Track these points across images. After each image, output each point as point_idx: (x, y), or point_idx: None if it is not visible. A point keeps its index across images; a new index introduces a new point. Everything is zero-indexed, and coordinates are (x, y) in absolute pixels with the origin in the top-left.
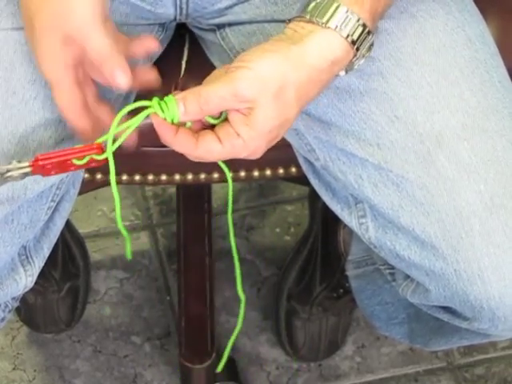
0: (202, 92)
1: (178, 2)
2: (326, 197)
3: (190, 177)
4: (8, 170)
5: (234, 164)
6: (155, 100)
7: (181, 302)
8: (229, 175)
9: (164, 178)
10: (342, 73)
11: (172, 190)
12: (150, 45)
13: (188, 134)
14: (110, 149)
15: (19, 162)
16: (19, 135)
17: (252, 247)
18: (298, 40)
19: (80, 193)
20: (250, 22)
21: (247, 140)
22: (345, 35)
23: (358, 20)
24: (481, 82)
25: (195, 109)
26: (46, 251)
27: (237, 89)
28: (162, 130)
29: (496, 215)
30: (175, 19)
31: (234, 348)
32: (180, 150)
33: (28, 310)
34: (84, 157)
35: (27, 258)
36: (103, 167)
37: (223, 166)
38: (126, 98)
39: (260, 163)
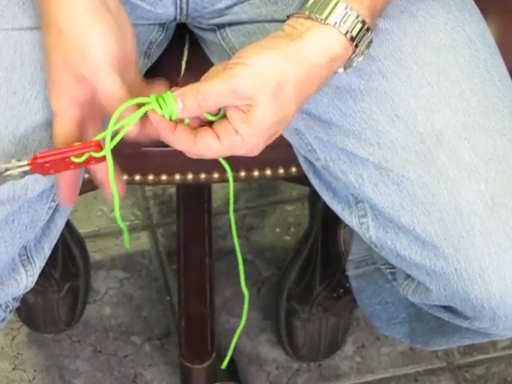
0: (200, 88)
1: (178, 2)
2: (326, 197)
3: (190, 177)
4: (7, 169)
5: (234, 164)
6: (153, 96)
7: (181, 302)
8: (230, 173)
9: (164, 177)
10: (341, 70)
11: (172, 190)
12: (161, 88)
13: (186, 131)
14: (109, 146)
15: (18, 160)
16: (20, 135)
17: (252, 247)
18: (296, 36)
19: (80, 193)
20: (251, 22)
21: (245, 137)
22: (344, 31)
23: (357, 16)
24: (481, 81)
25: (193, 105)
26: (47, 251)
27: (235, 85)
28: (160, 127)
29: (497, 214)
30: (175, 19)
31: (234, 348)
32: (178, 146)
33: (28, 310)
34: (82, 154)
35: (28, 258)
36: None
37: (224, 163)
38: None
39: (260, 163)
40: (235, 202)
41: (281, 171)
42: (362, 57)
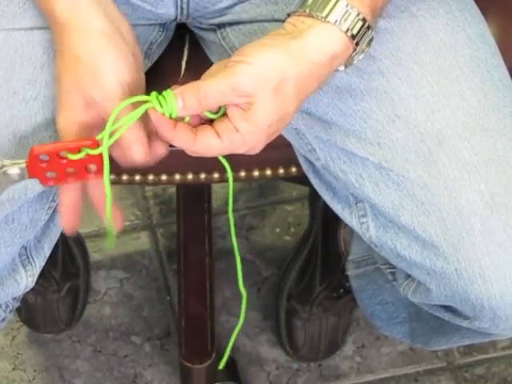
0: (200, 86)
1: (179, 2)
2: (326, 196)
3: (190, 177)
4: (4, 165)
5: (234, 164)
6: (153, 94)
7: (181, 302)
8: (230, 172)
9: (164, 177)
10: (342, 68)
11: (172, 190)
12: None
13: (186, 129)
14: (107, 143)
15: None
16: (20, 135)
17: (252, 247)
18: (297, 34)
19: None
20: (251, 22)
21: (246, 135)
22: (344, 29)
23: (358, 14)
24: (481, 81)
25: (194, 103)
26: (47, 251)
27: (236, 83)
28: (161, 125)
29: (497, 214)
30: (176, 19)
31: (234, 348)
32: (178, 144)
33: (28, 310)
34: (79, 150)
35: (28, 258)
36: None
37: (224, 162)
38: None
39: (260, 163)
40: (235, 202)
41: (281, 171)
42: (362, 55)
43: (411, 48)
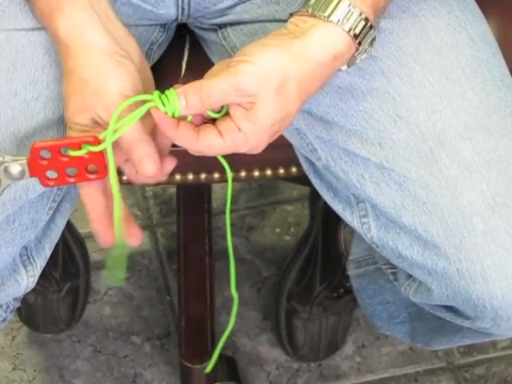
0: (203, 86)
1: (180, 3)
2: (327, 196)
3: (190, 177)
4: (4, 161)
5: (234, 164)
6: (156, 93)
7: (181, 302)
8: (229, 172)
9: (164, 177)
10: (344, 67)
11: (172, 190)
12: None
13: (189, 128)
14: (110, 139)
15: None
16: (21, 136)
17: (252, 247)
18: (300, 34)
19: None
20: (252, 22)
21: (248, 134)
22: (347, 29)
23: (361, 14)
24: (483, 81)
25: (196, 102)
26: (48, 251)
27: (239, 83)
28: (163, 124)
29: (498, 214)
30: (177, 19)
31: (234, 348)
32: (181, 143)
33: (28, 310)
34: (80, 148)
35: (28, 258)
36: None
37: (223, 161)
38: None
39: (260, 163)
40: (235, 202)
41: (281, 171)
42: (365, 54)
43: (413, 48)
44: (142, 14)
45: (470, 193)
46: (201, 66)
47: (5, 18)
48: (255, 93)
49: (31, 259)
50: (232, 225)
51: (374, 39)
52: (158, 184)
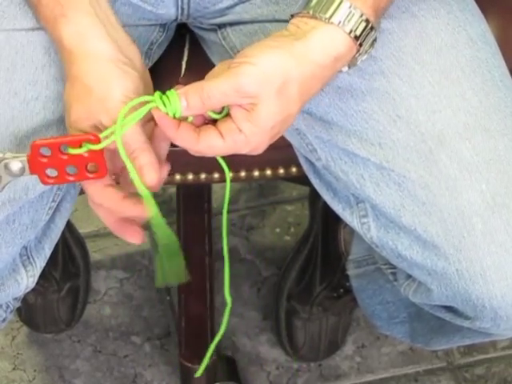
0: (204, 87)
1: (180, 3)
2: (327, 196)
3: (190, 177)
4: (4, 158)
5: (234, 164)
6: (157, 94)
7: (181, 301)
8: (227, 172)
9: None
10: (345, 68)
11: (172, 189)
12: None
13: (190, 129)
14: (120, 131)
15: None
16: (20, 136)
17: (252, 247)
18: (301, 36)
19: (80, 193)
20: (252, 22)
21: (249, 136)
22: (348, 31)
23: (361, 15)
24: (482, 81)
25: (197, 103)
26: (47, 251)
27: (239, 84)
28: (164, 125)
29: (498, 214)
30: (176, 19)
31: (234, 348)
32: (181, 144)
33: (28, 310)
34: (80, 146)
35: (28, 258)
36: None
37: (222, 162)
38: None
39: (260, 163)
40: (235, 202)
41: (281, 171)
42: (365, 55)
43: (412, 48)
44: (142, 13)
45: (469, 193)
46: (201, 65)
47: (4, 18)
48: (256, 94)
49: (31, 259)
50: (232, 225)
51: (374, 40)
52: None
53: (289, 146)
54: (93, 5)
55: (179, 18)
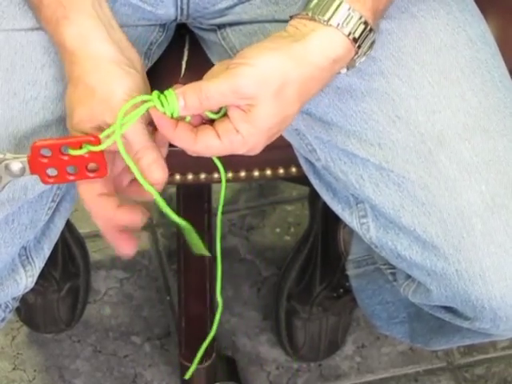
0: (202, 87)
1: (179, 3)
2: (326, 197)
3: (190, 177)
4: (5, 159)
5: (234, 164)
6: (155, 94)
7: (181, 301)
8: (223, 172)
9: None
10: (344, 70)
11: (172, 190)
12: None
13: (187, 129)
14: (119, 130)
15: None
16: (20, 136)
17: (252, 247)
18: (299, 37)
19: None
20: (251, 22)
21: (246, 136)
22: (346, 33)
23: (360, 18)
24: (482, 81)
25: (195, 103)
26: (47, 251)
27: (237, 85)
28: (162, 124)
29: (497, 215)
30: (176, 19)
31: (234, 348)
32: (179, 144)
33: (28, 310)
34: (80, 147)
35: (27, 258)
36: None
37: (218, 162)
38: None
39: (260, 163)
40: (235, 202)
41: (281, 171)
42: (364, 57)
43: (412, 49)
44: (142, 14)
45: (469, 193)
46: (200, 66)
47: (4, 19)
48: (254, 95)
49: (30, 259)
50: (232, 225)
51: (373, 42)
52: None
53: (288, 146)
54: (95, 7)
55: (179, 18)
